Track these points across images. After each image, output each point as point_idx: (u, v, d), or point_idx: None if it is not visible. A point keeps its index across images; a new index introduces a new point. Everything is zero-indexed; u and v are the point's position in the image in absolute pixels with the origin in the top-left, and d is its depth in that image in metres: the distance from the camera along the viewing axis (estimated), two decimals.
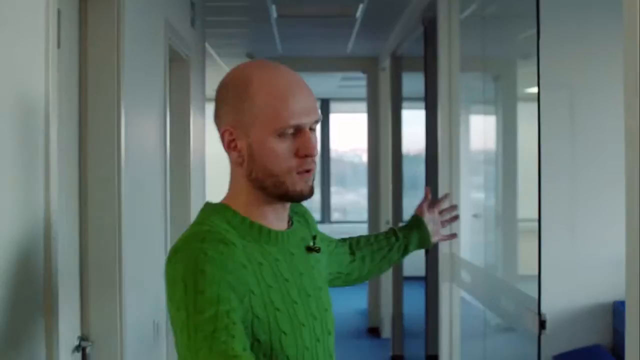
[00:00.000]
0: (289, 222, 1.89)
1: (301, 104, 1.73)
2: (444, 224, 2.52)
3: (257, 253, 1.73)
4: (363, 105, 10.05)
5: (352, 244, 2.32)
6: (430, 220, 2.47)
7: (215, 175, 7.43)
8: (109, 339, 2.97)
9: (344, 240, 2.32)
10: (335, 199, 14.05)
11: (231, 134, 1.76)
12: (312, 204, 13.65)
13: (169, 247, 3.94)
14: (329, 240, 2.20)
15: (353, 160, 14.57)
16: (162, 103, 4.00)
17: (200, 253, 1.60)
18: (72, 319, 2.86)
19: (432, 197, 2.55)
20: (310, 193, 1.79)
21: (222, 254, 1.61)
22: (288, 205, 1.85)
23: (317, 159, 1.81)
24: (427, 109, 6.06)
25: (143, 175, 3.54)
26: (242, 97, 1.74)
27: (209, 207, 1.81)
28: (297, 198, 1.79)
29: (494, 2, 4.84)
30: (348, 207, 14.22)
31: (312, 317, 1.79)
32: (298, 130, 1.73)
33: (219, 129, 1.80)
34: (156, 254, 3.82)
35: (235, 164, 1.79)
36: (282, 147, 1.72)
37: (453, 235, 2.62)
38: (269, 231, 1.78)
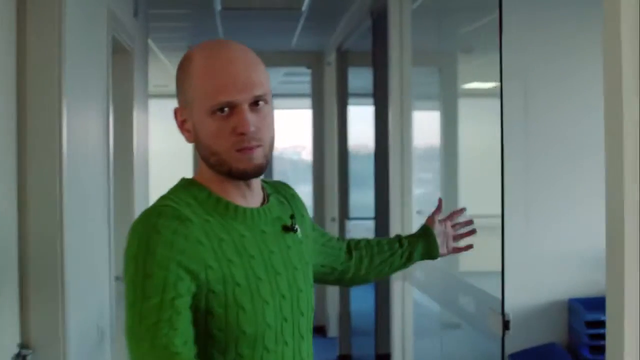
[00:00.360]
0: (264, 200, 1.87)
1: (233, 79, 1.71)
2: (457, 237, 2.49)
3: (219, 229, 1.72)
4: (305, 102, 9.98)
5: (351, 243, 2.31)
6: (441, 232, 2.44)
7: (158, 172, 7.34)
8: (50, 346, 2.85)
9: (343, 239, 2.32)
10: None
11: (182, 114, 1.78)
12: None
13: (112, 247, 3.78)
14: (322, 232, 2.21)
15: (292, 158, 14.41)
16: (104, 97, 3.83)
17: (154, 232, 1.62)
18: (11, 325, 2.70)
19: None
20: (255, 170, 1.76)
21: (175, 233, 1.62)
22: (254, 183, 1.84)
23: (268, 135, 1.78)
24: (376, 104, 5.95)
25: (85, 173, 3.38)
26: (184, 76, 1.76)
27: (181, 182, 1.82)
28: (241, 176, 1.77)
29: None
30: None
31: (280, 296, 1.77)
32: (233, 108, 1.71)
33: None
34: (99, 254, 3.64)
35: (190, 144, 1.81)
36: (218, 126, 1.72)
37: (469, 247, 2.56)
38: (236, 207, 1.77)
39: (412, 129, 5.03)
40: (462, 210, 2.55)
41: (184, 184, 1.81)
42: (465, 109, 4.52)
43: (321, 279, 2.22)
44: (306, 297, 1.87)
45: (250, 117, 1.72)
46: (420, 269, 4.78)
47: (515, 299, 3.95)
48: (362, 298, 6.88)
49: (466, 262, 4.36)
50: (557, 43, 3.88)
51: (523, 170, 4.09)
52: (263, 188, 1.93)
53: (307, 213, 2.07)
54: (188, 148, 8.85)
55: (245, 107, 1.72)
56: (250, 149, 1.73)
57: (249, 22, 7.44)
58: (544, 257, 3.98)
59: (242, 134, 1.72)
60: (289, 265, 1.83)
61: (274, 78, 11.39)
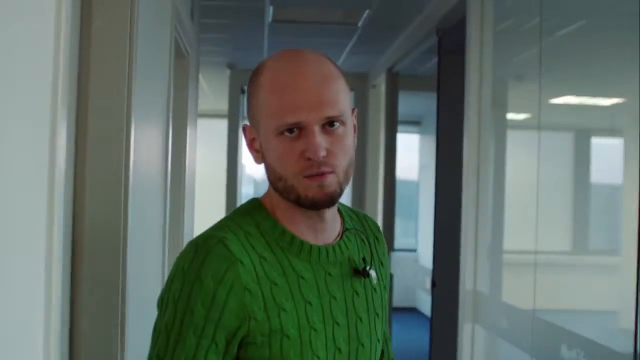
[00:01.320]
0: (338, 236, 1.69)
1: (303, 96, 1.53)
2: None
3: (275, 269, 1.57)
4: None
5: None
6: None
7: (203, 199, 6.93)
8: None
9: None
10: None
11: (250, 132, 1.64)
12: None
13: (166, 274, 3.29)
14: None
15: None
16: (165, 109, 3.33)
17: (197, 279, 1.51)
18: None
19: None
20: (326, 200, 1.58)
21: (220, 282, 1.51)
22: (328, 214, 1.65)
23: (343, 160, 1.58)
24: (438, 133, 5.46)
25: (147, 198, 2.88)
26: (253, 90, 1.62)
27: (248, 204, 1.68)
28: (310, 205, 1.59)
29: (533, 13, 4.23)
30: None
31: (335, 350, 1.61)
32: (302, 129, 1.54)
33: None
34: (153, 283, 3.16)
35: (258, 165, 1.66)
36: (285, 148, 1.55)
37: None
38: (301, 243, 1.61)
39: (489, 163, 4.54)
40: None
41: (249, 207, 1.66)
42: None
43: None
44: (368, 355, 1.68)
45: (322, 140, 1.54)
46: (493, 307, 4.30)
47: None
48: (405, 333, 6.42)
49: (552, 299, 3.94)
50: None
51: None
52: (342, 219, 1.74)
53: (388, 264, 1.86)
54: (221, 172, 8.58)
55: (316, 128, 1.54)
56: (321, 175, 1.55)
57: (296, 37, 7.01)
58: None
59: (310, 159, 1.54)
60: (352, 315, 1.66)
61: None
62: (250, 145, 1.66)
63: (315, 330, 1.59)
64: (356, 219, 1.81)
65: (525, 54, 4.30)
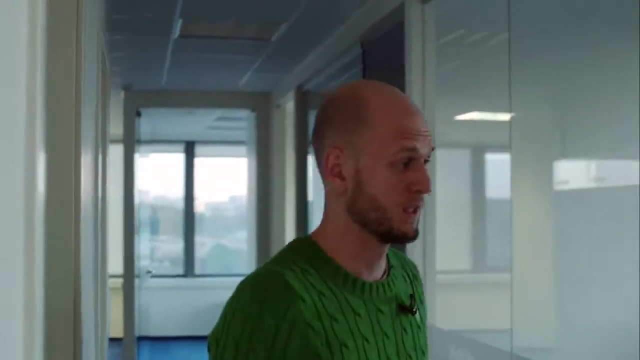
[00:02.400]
0: (385, 272, 1.70)
1: (419, 128, 1.59)
2: None
3: (334, 305, 1.57)
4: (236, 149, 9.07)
5: None
6: None
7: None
8: None
9: None
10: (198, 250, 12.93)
11: (338, 157, 1.62)
12: (179, 256, 12.61)
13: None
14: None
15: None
16: (94, 135, 2.91)
17: (258, 319, 1.50)
18: None
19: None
20: (415, 235, 1.62)
21: (283, 319, 1.50)
22: (385, 251, 1.68)
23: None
24: None
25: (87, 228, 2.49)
26: (356, 116, 1.60)
27: (297, 243, 1.68)
28: (400, 239, 1.61)
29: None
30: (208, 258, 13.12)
31: None
32: (412, 160, 1.58)
33: (319, 150, 1.65)
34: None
35: (334, 193, 1.64)
36: (395, 178, 1.58)
37: None
38: (355, 280, 1.62)
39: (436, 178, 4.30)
40: None
41: (298, 245, 1.66)
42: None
43: None
44: None
45: (428, 173, 1.60)
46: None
47: None
48: None
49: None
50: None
51: None
52: (387, 258, 1.74)
53: (425, 303, 1.85)
54: (115, 197, 8.13)
55: (423, 161, 1.60)
56: (416, 210, 1.60)
57: (202, 54, 6.63)
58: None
59: (420, 191, 1.58)
60: (403, 354, 1.67)
61: (203, 122, 10.61)
62: (334, 172, 1.62)
63: None
64: (395, 257, 1.80)
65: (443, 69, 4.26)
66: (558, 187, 3.68)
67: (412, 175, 1.58)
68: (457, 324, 4.10)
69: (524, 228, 3.62)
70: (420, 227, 4.27)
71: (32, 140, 1.54)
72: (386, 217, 1.59)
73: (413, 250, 4.27)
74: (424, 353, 1.75)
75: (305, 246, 1.65)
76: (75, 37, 2.14)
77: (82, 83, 2.14)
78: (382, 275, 1.70)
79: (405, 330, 1.70)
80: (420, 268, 4.17)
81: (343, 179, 1.62)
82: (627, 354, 3.27)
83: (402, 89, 4.42)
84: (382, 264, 1.70)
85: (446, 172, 4.18)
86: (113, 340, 7.46)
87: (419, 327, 1.75)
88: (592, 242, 3.45)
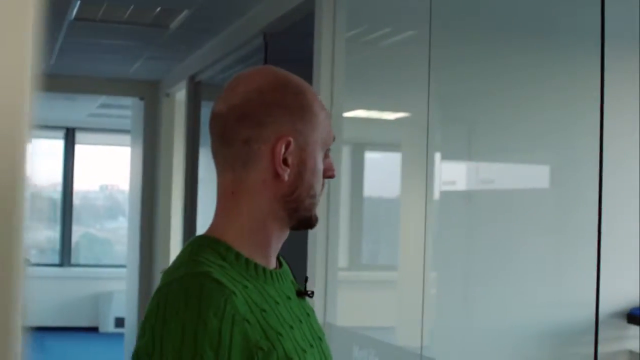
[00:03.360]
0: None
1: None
2: None
3: (258, 297, 1.55)
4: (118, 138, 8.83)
5: None
6: None
7: None
8: None
9: None
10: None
11: (288, 145, 1.58)
12: (49, 245, 12.26)
13: None
14: None
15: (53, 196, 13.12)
16: None
17: (200, 323, 1.43)
18: None
19: None
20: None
21: (222, 320, 1.44)
22: None
23: None
24: None
25: None
26: (303, 105, 1.60)
27: (200, 240, 1.61)
28: (313, 224, 1.66)
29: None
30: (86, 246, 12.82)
31: None
32: (327, 150, 1.66)
33: (255, 139, 1.58)
34: None
35: (270, 183, 1.58)
36: (321, 165, 1.63)
37: None
38: (265, 270, 1.60)
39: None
40: None
41: (206, 242, 1.59)
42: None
43: None
44: None
45: None
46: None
47: None
48: None
49: None
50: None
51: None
52: None
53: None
54: None
55: None
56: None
57: (96, 38, 6.43)
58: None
59: (332, 177, 1.66)
60: (315, 336, 1.66)
61: (85, 109, 10.36)
62: (280, 160, 1.58)
63: (305, 351, 1.58)
64: None
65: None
66: (444, 187, 3.71)
67: (326, 162, 1.64)
68: (350, 321, 4.08)
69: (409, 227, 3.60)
70: (323, 223, 4.28)
71: None
72: (314, 204, 1.62)
73: (316, 246, 4.25)
74: (324, 333, 1.75)
75: (211, 244, 1.60)
76: None
77: None
78: (277, 265, 1.69)
79: (308, 314, 1.70)
80: (322, 264, 4.19)
81: (287, 166, 1.59)
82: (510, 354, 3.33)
83: (309, 83, 4.39)
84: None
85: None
86: None
87: (312, 309, 1.76)
88: (478, 243, 3.50)
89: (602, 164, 2.62)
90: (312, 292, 1.73)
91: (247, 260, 1.58)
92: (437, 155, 3.60)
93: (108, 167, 12.37)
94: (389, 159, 4.14)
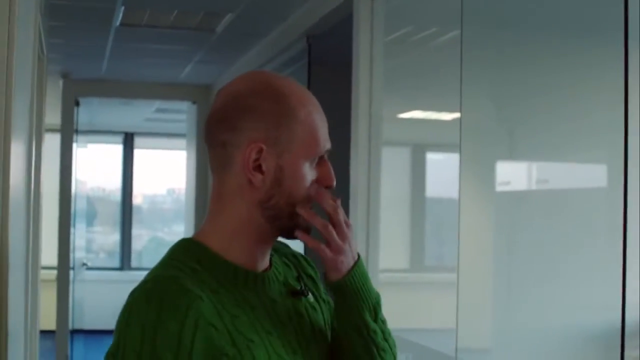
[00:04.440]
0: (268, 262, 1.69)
1: (326, 128, 1.63)
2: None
3: (230, 301, 1.54)
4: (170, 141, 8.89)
5: None
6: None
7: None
8: None
9: None
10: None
11: (260, 151, 1.57)
12: (115, 248, 12.43)
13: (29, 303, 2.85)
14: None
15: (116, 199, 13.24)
16: (28, 122, 2.79)
17: (159, 325, 1.43)
18: None
19: None
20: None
21: (183, 324, 1.44)
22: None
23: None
24: None
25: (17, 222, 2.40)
26: (279, 111, 1.58)
27: (182, 242, 1.63)
28: (298, 234, 1.61)
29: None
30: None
31: None
32: (321, 158, 1.62)
33: (231, 144, 1.58)
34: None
35: (244, 188, 1.58)
36: (310, 174, 1.60)
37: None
38: (246, 273, 1.60)
39: (381, 176, 4.26)
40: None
41: (186, 244, 1.62)
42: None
43: None
44: None
45: None
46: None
47: None
48: None
49: None
50: None
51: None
52: None
53: (317, 275, 1.81)
54: (52, 188, 7.96)
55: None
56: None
57: (144, 43, 6.50)
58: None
59: (329, 187, 1.62)
60: (302, 340, 1.63)
61: (142, 113, 10.47)
62: (254, 165, 1.57)
63: (283, 358, 1.56)
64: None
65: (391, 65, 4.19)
66: (500, 188, 3.66)
67: (322, 171, 1.61)
68: (399, 323, 4.06)
69: (468, 228, 3.59)
70: (363, 226, 4.27)
71: None
72: (297, 213, 1.59)
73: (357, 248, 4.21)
74: (323, 333, 1.70)
75: (190, 246, 1.61)
76: (8, 19, 2.04)
77: (14, 68, 2.03)
78: (268, 266, 1.68)
79: (301, 315, 1.67)
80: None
81: (262, 173, 1.58)
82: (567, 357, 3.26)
83: (349, 85, 4.38)
84: (268, 256, 1.68)
85: (390, 170, 4.16)
86: (46, 332, 7.30)
87: (313, 307, 1.72)
88: (534, 245, 3.44)
89: (627, 161, 2.56)
90: (307, 291, 1.70)
91: (226, 264, 1.58)
92: (491, 156, 3.58)
93: (171, 170, 12.48)
94: (446, 160, 4.11)
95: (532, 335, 3.45)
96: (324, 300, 1.78)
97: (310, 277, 1.80)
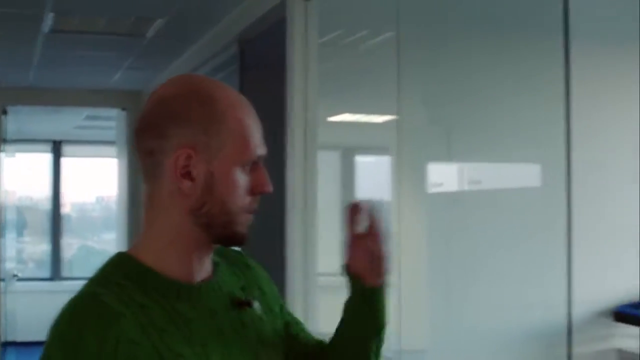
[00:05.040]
0: (211, 272, 1.63)
1: (260, 132, 1.58)
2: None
3: (160, 315, 1.49)
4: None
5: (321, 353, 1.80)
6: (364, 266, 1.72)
7: None
8: None
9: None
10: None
11: (189, 157, 1.52)
12: (45, 258, 12.22)
13: None
14: (293, 321, 1.81)
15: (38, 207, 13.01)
16: None
17: (80, 343, 1.40)
18: None
19: None
20: (248, 237, 1.59)
21: (103, 340, 1.40)
22: (212, 251, 1.62)
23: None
24: None
25: None
26: (208, 115, 1.52)
27: (113, 257, 1.59)
28: (238, 242, 1.58)
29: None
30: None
31: None
32: (255, 164, 1.56)
33: (158, 150, 1.52)
34: None
35: (175, 195, 1.53)
36: (243, 182, 1.54)
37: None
38: (179, 286, 1.54)
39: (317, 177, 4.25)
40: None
41: (117, 259, 1.58)
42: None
43: None
44: None
45: None
46: None
47: None
48: None
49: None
50: None
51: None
52: None
53: (271, 287, 1.77)
54: None
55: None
56: (254, 212, 1.58)
57: (74, 50, 6.40)
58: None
59: (263, 193, 1.57)
60: (246, 351, 1.59)
61: (72, 121, 10.33)
62: (182, 171, 1.51)
63: None
64: (217, 254, 1.69)
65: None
66: (433, 189, 3.68)
67: (256, 177, 1.55)
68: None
69: (402, 230, 3.59)
70: (300, 230, 4.26)
71: None
72: (232, 221, 1.54)
73: (294, 253, 4.21)
74: (272, 345, 1.67)
75: (122, 261, 1.57)
76: None
77: None
78: (209, 275, 1.62)
79: (245, 326, 1.63)
80: (300, 270, 4.15)
81: (192, 180, 1.52)
82: (502, 355, 3.29)
83: (283, 89, 4.35)
84: (209, 265, 1.63)
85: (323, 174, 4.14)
86: None
87: (260, 318, 1.68)
88: (470, 244, 3.47)
89: (570, 159, 2.59)
90: (250, 302, 1.65)
91: (157, 277, 1.54)
92: (424, 158, 3.58)
93: (101, 178, 12.31)
94: (378, 163, 4.11)
95: (470, 335, 3.48)
96: (275, 314, 1.74)
97: (260, 289, 1.76)
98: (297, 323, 1.82)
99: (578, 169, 2.88)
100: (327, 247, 4.25)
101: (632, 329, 4.50)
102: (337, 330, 1.77)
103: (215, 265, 1.65)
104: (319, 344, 1.81)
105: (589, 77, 3.11)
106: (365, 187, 4.22)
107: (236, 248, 1.70)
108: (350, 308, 1.73)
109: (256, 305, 1.67)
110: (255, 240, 1.62)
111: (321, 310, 4.13)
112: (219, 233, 1.56)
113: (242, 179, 1.54)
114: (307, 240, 4.21)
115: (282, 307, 1.80)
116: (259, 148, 1.55)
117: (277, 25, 4.40)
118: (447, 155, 3.61)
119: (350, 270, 1.72)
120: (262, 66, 5.01)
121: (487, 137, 3.29)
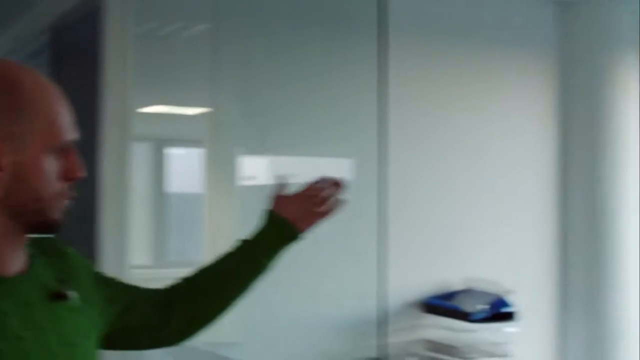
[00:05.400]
0: (26, 263, 1.59)
1: (70, 117, 1.56)
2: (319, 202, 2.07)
3: None
4: None
5: (171, 294, 1.98)
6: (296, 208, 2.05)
7: None
8: None
9: (168, 287, 2.01)
10: None
11: None
12: None
13: None
14: (118, 287, 1.86)
15: None
16: None
17: None
18: None
19: None
20: (64, 223, 1.58)
21: None
22: (25, 241, 1.59)
23: None
24: None
25: None
26: (12, 103, 1.48)
27: None
28: (53, 229, 1.57)
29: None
30: None
31: None
32: (66, 149, 1.54)
33: None
34: None
35: None
36: (54, 167, 1.52)
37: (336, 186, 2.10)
38: None
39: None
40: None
41: None
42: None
43: (140, 344, 1.96)
44: None
45: None
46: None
47: None
48: None
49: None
50: None
51: None
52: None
53: (88, 273, 1.75)
54: None
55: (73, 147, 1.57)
56: (70, 198, 1.57)
57: None
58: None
59: (77, 178, 1.56)
60: (64, 343, 1.57)
61: None
62: None
63: None
64: (35, 243, 1.66)
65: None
66: (245, 182, 3.70)
67: (68, 162, 1.55)
68: None
69: (214, 223, 3.59)
70: (114, 222, 4.19)
71: None
72: (44, 207, 1.53)
73: (106, 245, 4.14)
74: (87, 337, 1.67)
75: None
76: None
77: None
78: (24, 268, 1.60)
79: (62, 318, 1.61)
80: (114, 263, 4.09)
81: (0, 170, 1.49)
82: (314, 345, 3.35)
83: (98, 80, 4.27)
84: (23, 257, 1.60)
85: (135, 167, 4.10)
86: None
87: (78, 310, 1.66)
88: None
89: (386, 159, 2.66)
90: (65, 294, 1.63)
91: None
92: (237, 151, 3.59)
93: None
94: (191, 155, 4.09)
95: (283, 326, 3.52)
96: (90, 303, 1.73)
97: (77, 277, 1.73)
98: (126, 288, 1.89)
99: (396, 163, 2.95)
100: (139, 239, 4.22)
101: (440, 320, 4.68)
102: (217, 266, 2.03)
103: (31, 257, 1.62)
104: (157, 292, 1.98)
105: (407, 71, 3.21)
106: (177, 179, 4.20)
107: (50, 235, 1.67)
108: (251, 247, 2.02)
109: (73, 296, 1.64)
110: (67, 231, 1.61)
111: None
112: (31, 220, 1.54)
113: (52, 164, 1.52)
114: (121, 232, 4.16)
115: (106, 282, 1.82)
116: (69, 133, 1.54)
117: (93, 14, 4.31)
118: (261, 148, 3.64)
119: (279, 214, 2.00)
120: (77, 55, 4.90)
121: (301, 131, 3.34)
